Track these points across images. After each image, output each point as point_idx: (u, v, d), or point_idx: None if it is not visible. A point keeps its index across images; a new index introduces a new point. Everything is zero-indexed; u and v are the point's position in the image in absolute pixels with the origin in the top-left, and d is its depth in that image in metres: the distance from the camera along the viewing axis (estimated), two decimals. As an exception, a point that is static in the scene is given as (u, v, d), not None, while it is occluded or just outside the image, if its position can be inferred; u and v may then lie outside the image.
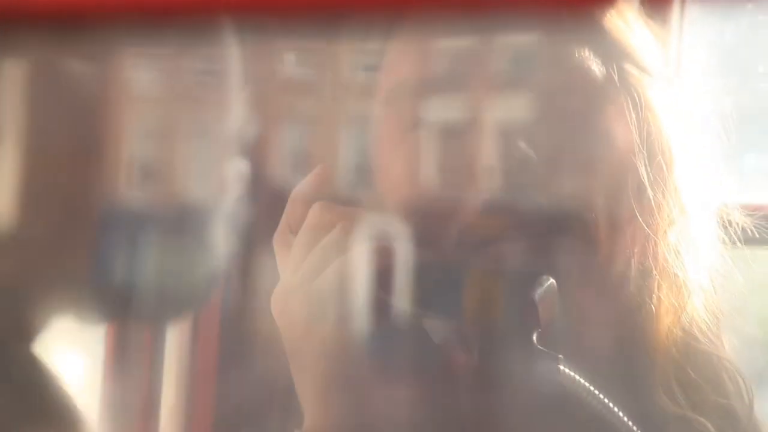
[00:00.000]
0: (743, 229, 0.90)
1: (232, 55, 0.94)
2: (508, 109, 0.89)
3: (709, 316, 0.89)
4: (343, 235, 0.85)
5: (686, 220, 0.89)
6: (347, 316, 0.84)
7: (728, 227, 0.90)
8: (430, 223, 0.87)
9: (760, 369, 0.92)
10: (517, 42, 0.88)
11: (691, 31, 0.93)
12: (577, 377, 0.84)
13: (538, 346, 0.84)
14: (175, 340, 1.07)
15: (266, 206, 0.95)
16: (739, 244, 0.90)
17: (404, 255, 0.85)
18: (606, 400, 0.84)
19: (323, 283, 0.84)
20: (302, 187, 0.89)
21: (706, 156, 0.90)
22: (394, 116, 0.90)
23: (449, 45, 0.89)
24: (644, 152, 0.87)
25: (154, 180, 0.96)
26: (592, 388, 0.84)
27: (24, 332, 0.85)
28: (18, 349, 0.85)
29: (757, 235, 0.91)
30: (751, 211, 0.91)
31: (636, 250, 0.87)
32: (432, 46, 0.90)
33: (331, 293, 0.83)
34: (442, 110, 0.90)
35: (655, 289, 0.88)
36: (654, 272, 0.87)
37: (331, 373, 0.84)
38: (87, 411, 0.95)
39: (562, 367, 0.84)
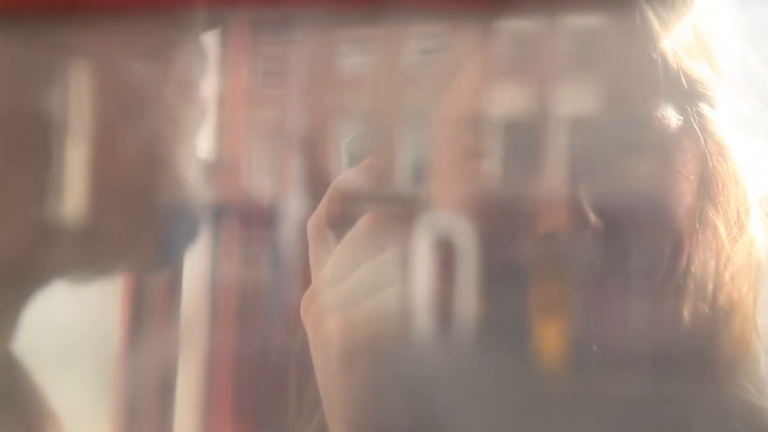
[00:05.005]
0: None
1: (291, 52, 0.94)
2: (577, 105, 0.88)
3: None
4: (397, 259, 0.80)
5: (755, 264, 0.88)
6: (393, 349, 0.79)
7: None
8: (495, 219, 0.83)
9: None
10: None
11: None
12: None
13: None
14: (191, 302, 1.05)
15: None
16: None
17: (465, 256, 0.81)
18: None
19: (371, 309, 0.78)
20: (347, 176, 0.85)
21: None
22: (457, 142, 0.86)
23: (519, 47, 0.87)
24: (719, 202, 0.87)
25: (219, 175, 0.96)
26: None
27: None
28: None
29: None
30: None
31: (699, 293, 0.86)
32: (504, 66, 0.87)
33: (380, 322, 0.78)
34: (512, 112, 0.88)
35: (720, 340, 0.86)
36: (720, 321, 0.86)
37: (369, 415, 0.79)
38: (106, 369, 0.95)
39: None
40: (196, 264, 0.97)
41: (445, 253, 0.82)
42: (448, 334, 0.81)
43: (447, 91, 0.88)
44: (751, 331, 0.87)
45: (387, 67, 0.91)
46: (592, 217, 0.82)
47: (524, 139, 0.85)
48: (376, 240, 0.81)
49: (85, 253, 0.82)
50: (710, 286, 0.86)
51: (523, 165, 0.85)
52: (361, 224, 0.82)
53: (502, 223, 0.84)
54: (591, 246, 0.83)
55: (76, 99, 0.79)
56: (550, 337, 0.82)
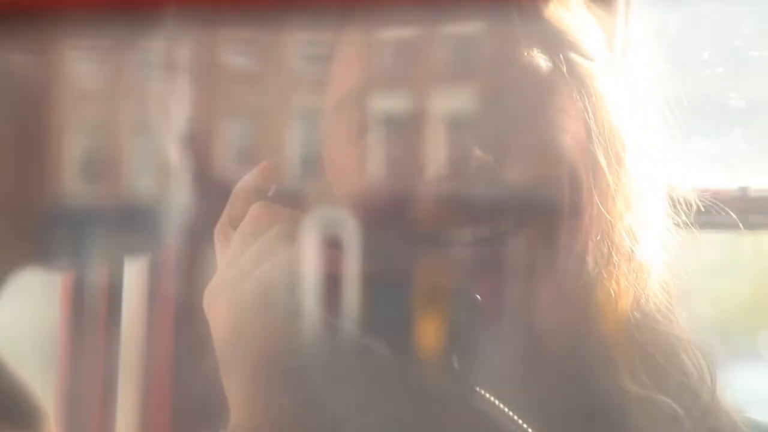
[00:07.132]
0: (693, 212, 0.91)
1: (176, 47, 0.93)
2: (456, 101, 0.89)
3: (666, 298, 0.90)
4: (280, 236, 0.84)
5: (640, 204, 0.89)
6: (278, 317, 0.82)
7: (679, 210, 0.91)
8: (380, 216, 0.86)
9: (713, 349, 0.91)
10: (461, 33, 0.89)
11: (636, 19, 0.94)
12: (495, 401, 0.84)
13: (456, 367, 0.84)
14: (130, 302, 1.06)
15: (209, 200, 0.95)
16: (689, 226, 0.91)
17: (351, 252, 0.83)
18: (524, 425, 0.84)
19: (255, 281, 0.82)
20: (245, 181, 0.88)
21: (655, 141, 0.91)
22: (344, 122, 0.89)
23: (394, 40, 0.89)
24: (599, 139, 0.87)
25: (98, 174, 0.95)
26: (509, 412, 0.84)
27: None
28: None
29: (706, 218, 0.92)
30: (700, 194, 0.92)
31: (594, 234, 0.87)
32: (378, 47, 0.89)
33: (262, 293, 0.82)
34: (391, 106, 0.89)
35: (614, 272, 0.88)
36: (612, 255, 0.88)
37: (257, 374, 0.82)
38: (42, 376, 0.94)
39: (478, 389, 0.84)
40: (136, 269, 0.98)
41: (333, 247, 0.84)
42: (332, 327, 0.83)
43: (327, 82, 0.90)
44: (643, 263, 0.89)
45: (273, 67, 0.93)
46: (477, 150, 0.85)
47: (404, 134, 0.87)
48: (265, 225, 0.85)
49: None
50: (603, 224, 0.88)
51: (404, 160, 0.87)
52: (251, 212, 0.86)
53: (385, 214, 0.86)
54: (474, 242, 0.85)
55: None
56: (431, 332, 0.83)
